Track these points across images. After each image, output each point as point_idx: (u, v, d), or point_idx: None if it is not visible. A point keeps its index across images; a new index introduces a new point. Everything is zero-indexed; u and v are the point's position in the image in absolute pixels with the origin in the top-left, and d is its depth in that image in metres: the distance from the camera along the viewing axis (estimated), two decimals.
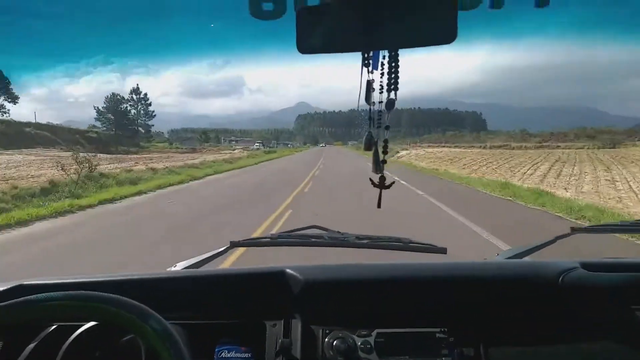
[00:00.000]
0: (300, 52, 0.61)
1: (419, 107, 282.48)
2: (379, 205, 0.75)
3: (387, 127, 0.69)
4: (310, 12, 0.63)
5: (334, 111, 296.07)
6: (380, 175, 0.70)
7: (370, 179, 0.72)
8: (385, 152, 0.69)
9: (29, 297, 0.66)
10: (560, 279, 0.97)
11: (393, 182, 0.71)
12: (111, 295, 0.67)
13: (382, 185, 0.71)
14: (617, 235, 5.21)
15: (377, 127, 0.68)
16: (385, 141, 0.69)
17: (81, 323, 0.89)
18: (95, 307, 0.66)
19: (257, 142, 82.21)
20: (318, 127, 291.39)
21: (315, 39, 0.61)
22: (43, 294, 0.66)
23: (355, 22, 0.61)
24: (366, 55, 0.65)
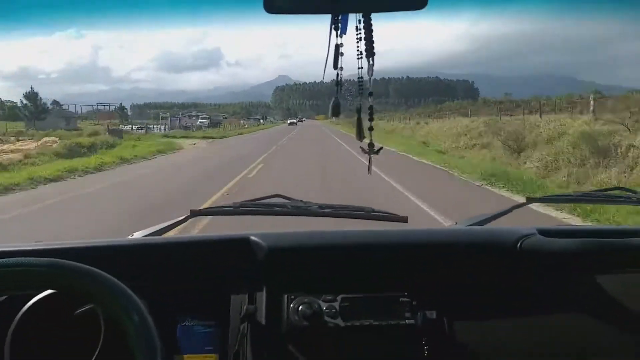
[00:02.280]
0: (267, 11, 0.66)
1: (407, 76, 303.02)
2: (369, 172, 0.86)
3: (370, 94, 0.76)
4: None
5: (314, 82, 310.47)
6: (369, 142, 0.79)
7: (361, 147, 0.81)
8: (371, 119, 0.78)
9: None
10: (519, 244, 1.10)
11: (381, 148, 0.81)
12: (66, 261, 0.71)
13: (371, 151, 0.79)
14: None
15: (359, 94, 0.75)
16: (371, 107, 0.78)
17: (33, 294, 0.93)
18: (55, 274, 0.70)
19: (202, 118, 65.56)
20: (298, 99, 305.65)
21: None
22: None
23: None
24: (335, 18, 0.70)
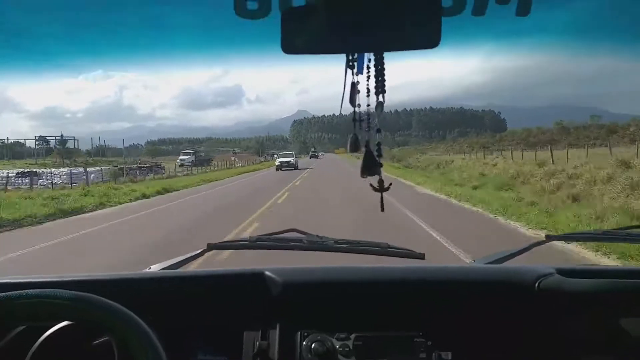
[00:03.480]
0: (284, 52, 0.73)
1: (430, 107, 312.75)
2: (382, 209, 0.90)
3: (378, 130, 0.83)
4: (295, 13, 0.75)
5: (333, 114, 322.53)
6: (378, 179, 0.84)
7: (370, 184, 0.85)
8: (379, 155, 0.83)
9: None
10: (537, 284, 1.13)
11: (391, 184, 0.86)
12: (82, 293, 0.78)
13: (381, 188, 0.85)
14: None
15: (367, 130, 0.82)
16: (379, 144, 0.84)
17: (52, 324, 1.00)
18: (72, 306, 0.76)
19: (185, 154, 57.25)
20: (316, 133, 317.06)
21: (299, 40, 0.73)
22: (12, 292, 0.77)
23: (339, 25, 0.73)
24: (350, 57, 0.78)
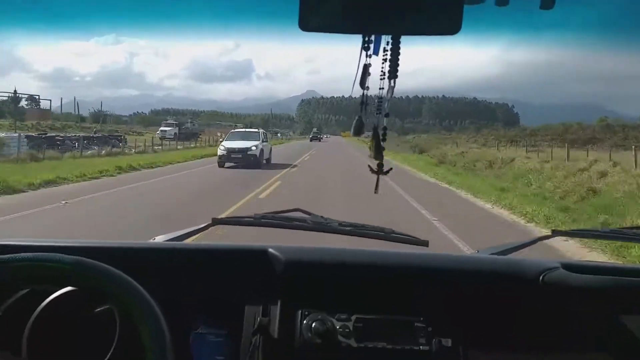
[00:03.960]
0: (301, 29, 0.74)
1: (442, 96, 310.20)
2: (376, 191, 0.93)
3: (386, 115, 0.85)
4: None
5: (342, 96, 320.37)
6: (378, 162, 0.88)
7: (369, 165, 0.90)
8: (383, 140, 0.87)
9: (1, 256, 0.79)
10: (541, 277, 1.15)
11: (391, 169, 0.91)
12: (86, 259, 0.81)
13: (380, 171, 0.89)
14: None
15: (377, 114, 0.85)
16: (384, 129, 0.86)
17: (55, 289, 1.03)
18: (73, 271, 0.79)
19: (167, 124, 49.72)
20: (324, 114, 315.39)
21: (317, 17, 0.74)
22: (13, 254, 0.80)
23: (359, 4, 0.73)
24: (366, 39, 0.79)
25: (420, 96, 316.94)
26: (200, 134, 53.99)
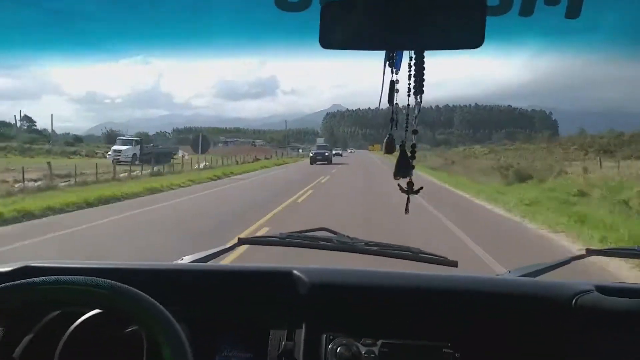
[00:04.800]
0: (322, 46, 0.76)
1: (475, 104, 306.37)
2: (406, 211, 0.96)
3: (414, 132, 0.86)
4: (335, 7, 0.76)
5: (369, 108, 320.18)
6: (408, 180, 0.89)
7: (399, 185, 0.92)
8: (413, 157, 0.87)
9: (32, 279, 0.83)
10: (574, 301, 1.14)
11: (421, 188, 0.91)
12: (116, 283, 0.85)
13: (410, 190, 0.90)
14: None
15: (405, 130, 0.86)
16: (413, 146, 0.87)
17: (85, 311, 1.11)
18: (101, 294, 0.83)
19: (124, 142, 37.98)
20: (350, 127, 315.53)
21: (338, 35, 0.77)
22: (47, 277, 0.84)
23: (379, 21, 0.76)
24: (390, 55, 0.83)
25: (451, 105, 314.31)
26: (174, 155, 40.37)
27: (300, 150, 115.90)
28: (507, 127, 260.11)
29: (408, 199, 0.94)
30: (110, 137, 78.32)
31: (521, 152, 48.13)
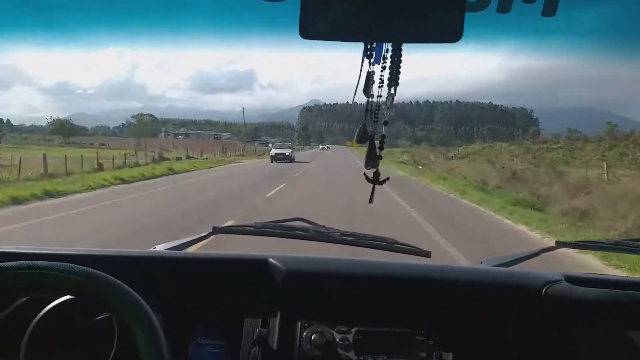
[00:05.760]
0: (302, 37, 0.78)
1: (456, 100, 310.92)
2: (370, 201, 1.00)
3: (385, 123, 0.90)
4: None
5: (347, 103, 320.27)
6: (374, 170, 0.92)
7: (365, 174, 0.94)
8: (381, 148, 0.92)
9: (5, 263, 0.85)
10: (544, 290, 1.21)
11: (387, 178, 0.95)
12: (90, 269, 0.87)
13: (375, 180, 0.94)
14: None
15: (375, 121, 0.90)
16: (382, 136, 0.92)
17: (54, 298, 1.12)
18: (75, 280, 0.85)
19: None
20: (327, 122, 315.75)
21: (318, 26, 0.78)
22: (13, 262, 0.85)
23: (360, 12, 0.78)
24: (369, 46, 0.85)
25: (431, 101, 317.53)
26: None
27: (269, 145, 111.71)
28: (488, 124, 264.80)
29: (373, 188, 0.98)
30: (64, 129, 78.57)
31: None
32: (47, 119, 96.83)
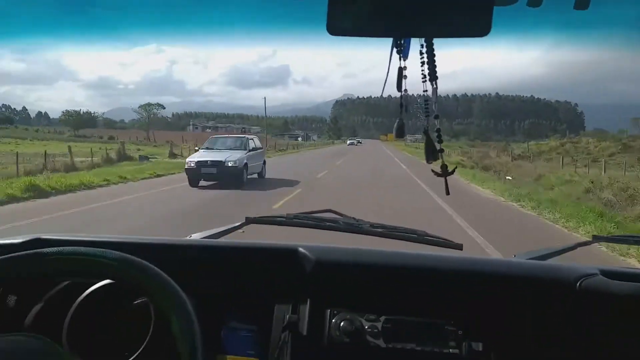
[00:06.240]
0: (329, 33, 0.80)
1: (496, 93, 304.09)
2: (447, 193, 1.01)
3: (436, 117, 0.92)
4: None
5: (380, 96, 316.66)
6: (442, 163, 0.95)
7: (432, 170, 0.97)
8: (440, 141, 0.94)
9: (42, 249, 0.90)
10: (578, 284, 1.21)
11: (455, 168, 0.96)
12: (126, 255, 0.91)
13: (445, 173, 0.95)
14: None
15: (426, 116, 0.92)
16: (438, 130, 0.94)
17: (95, 282, 1.20)
18: (111, 265, 0.89)
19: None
20: (361, 116, 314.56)
21: (345, 22, 0.80)
22: (60, 247, 0.91)
23: (386, 8, 0.80)
24: (398, 42, 0.86)
25: (469, 95, 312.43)
26: None
27: (299, 139, 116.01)
28: (530, 118, 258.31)
29: (446, 180, 0.98)
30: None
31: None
32: (62, 111, 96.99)
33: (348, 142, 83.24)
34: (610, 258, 6.39)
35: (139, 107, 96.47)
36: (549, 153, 36.34)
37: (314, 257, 1.30)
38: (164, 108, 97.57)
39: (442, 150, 0.96)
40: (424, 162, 1.01)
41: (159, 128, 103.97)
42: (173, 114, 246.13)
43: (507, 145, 50.85)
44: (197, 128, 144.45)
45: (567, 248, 1.65)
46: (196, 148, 18.36)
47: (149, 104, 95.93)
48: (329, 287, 1.31)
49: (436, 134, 0.96)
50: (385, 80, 0.94)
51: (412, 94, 0.98)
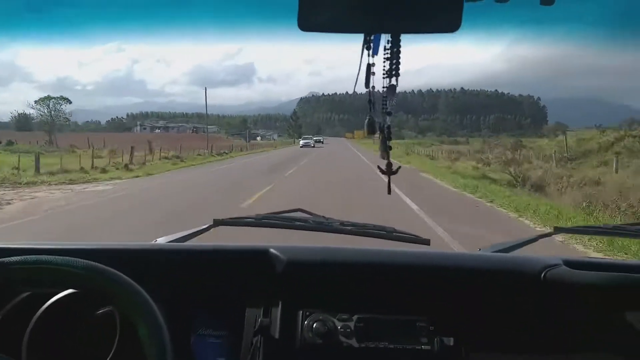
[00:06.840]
0: (300, 28, 0.81)
1: (461, 88, 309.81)
2: (389, 192, 1.06)
3: (389, 113, 0.95)
4: None
5: (346, 93, 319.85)
6: (387, 161, 0.97)
7: (379, 166, 1.00)
8: (389, 139, 0.96)
9: (4, 258, 0.88)
10: (543, 275, 1.27)
11: (399, 167, 1.00)
12: (93, 263, 0.90)
13: (389, 171, 0.98)
14: None
15: (383, 112, 0.95)
16: (388, 127, 0.96)
17: (56, 292, 1.17)
18: (78, 274, 0.88)
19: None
20: (325, 112, 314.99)
21: (316, 17, 0.81)
22: (15, 257, 0.89)
23: (358, 4, 0.81)
24: (368, 38, 0.88)
25: (434, 90, 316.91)
26: None
27: (258, 138, 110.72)
28: (495, 112, 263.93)
29: (389, 179, 1.02)
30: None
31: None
32: (10, 113, 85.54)
33: (301, 142, 64.81)
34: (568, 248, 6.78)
35: (35, 102, 71.21)
36: (599, 153, 24.85)
37: (285, 258, 1.32)
38: (70, 102, 72.00)
39: (390, 148, 0.99)
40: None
41: (40, 128, 74.01)
42: (128, 114, 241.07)
43: (519, 141, 40.58)
44: (145, 129, 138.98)
45: (530, 240, 1.72)
46: None
47: (48, 97, 71.08)
48: (300, 287, 1.33)
49: (386, 130, 0.98)
50: (357, 76, 0.95)
51: (378, 90, 0.99)
